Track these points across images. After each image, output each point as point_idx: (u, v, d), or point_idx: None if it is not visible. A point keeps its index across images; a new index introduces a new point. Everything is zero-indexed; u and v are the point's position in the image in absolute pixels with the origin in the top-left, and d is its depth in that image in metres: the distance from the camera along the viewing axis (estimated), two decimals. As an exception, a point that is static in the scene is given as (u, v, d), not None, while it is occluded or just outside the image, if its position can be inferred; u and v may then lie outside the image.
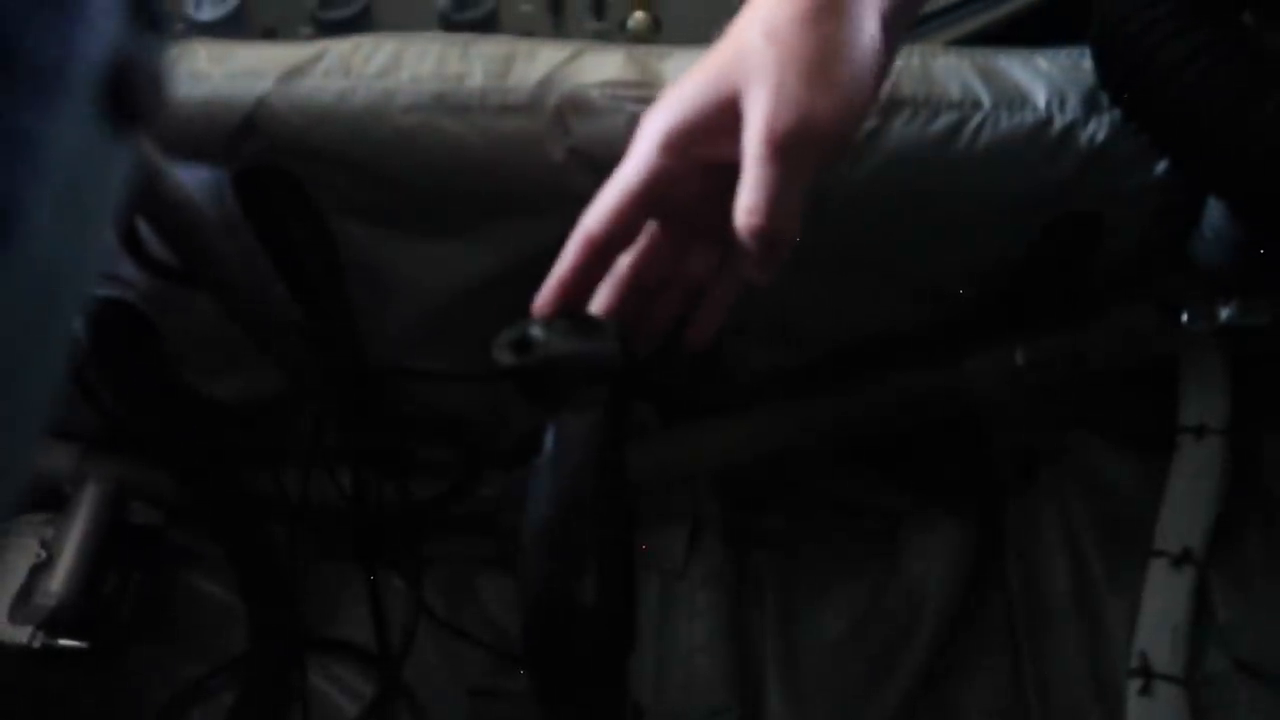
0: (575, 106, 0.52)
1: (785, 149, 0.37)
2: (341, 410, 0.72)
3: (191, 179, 0.56)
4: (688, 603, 0.74)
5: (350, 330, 0.67)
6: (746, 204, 0.37)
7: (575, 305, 0.44)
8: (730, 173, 0.39)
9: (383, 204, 0.59)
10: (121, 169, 0.18)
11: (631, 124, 0.52)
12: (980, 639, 0.70)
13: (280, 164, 0.57)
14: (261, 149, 0.55)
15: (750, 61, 0.38)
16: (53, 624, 0.66)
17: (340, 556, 0.79)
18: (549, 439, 0.43)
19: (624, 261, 0.44)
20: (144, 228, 0.56)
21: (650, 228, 0.44)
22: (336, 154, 0.55)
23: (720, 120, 0.39)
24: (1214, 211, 0.50)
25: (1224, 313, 0.53)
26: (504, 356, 0.43)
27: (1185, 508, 0.58)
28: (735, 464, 0.71)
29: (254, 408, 0.73)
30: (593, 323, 0.44)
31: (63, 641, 0.66)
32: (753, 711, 0.71)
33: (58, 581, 0.68)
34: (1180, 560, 0.57)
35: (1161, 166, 0.50)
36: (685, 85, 0.40)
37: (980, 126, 0.51)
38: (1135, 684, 0.55)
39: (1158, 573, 0.57)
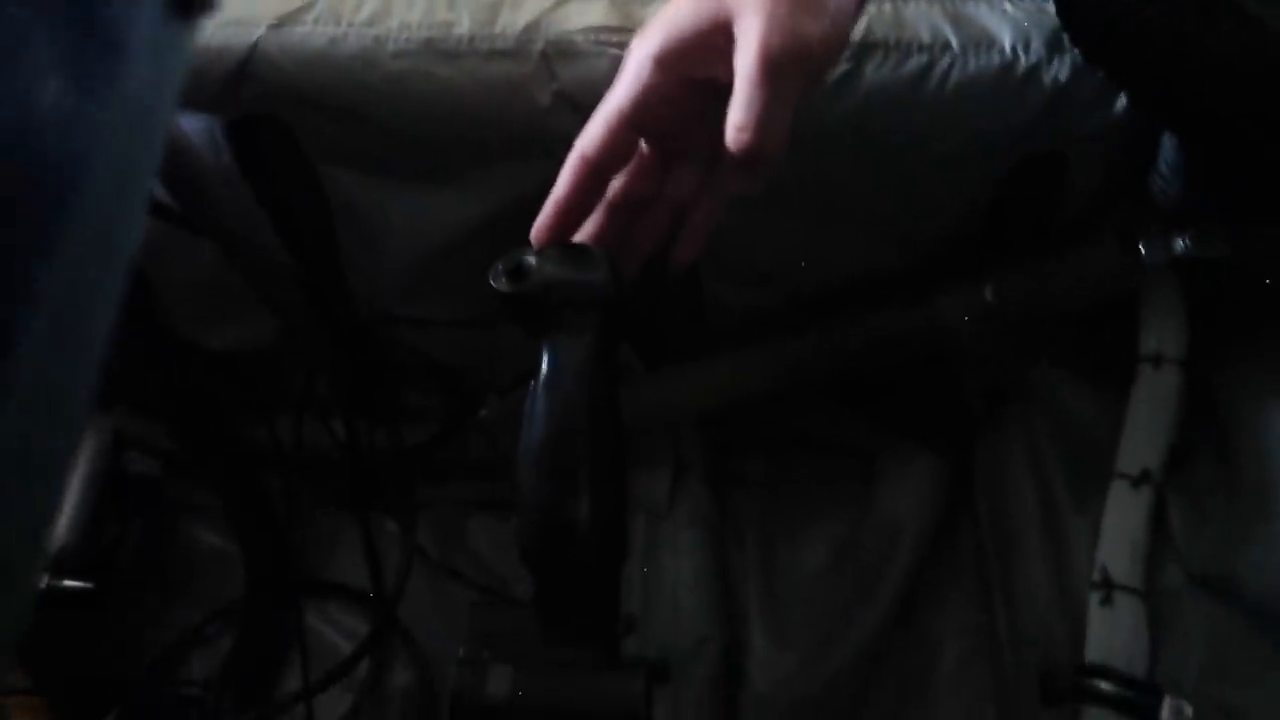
0: (561, 51, 0.54)
1: (776, 69, 0.39)
2: (334, 358, 0.74)
3: (187, 127, 0.58)
4: (672, 542, 0.77)
5: (341, 277, 0.69)
6: (737, 121, 0.39)
7: (571, 230, 0.46)
8: (715, 92, 0.41)
9: (373, 151, 0.60)
10: (185, 56, 0.21)
11: (615, 67, 0.54)
12: (951, 565, 0.73)
13: (273, 112, 0.58)
14: (254, 97, 0.56)
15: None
16: (57, 567, 0.68)
17: (335, 503, 0.81)
18: (543, 362, 0.46)
19: (611, 184, 0.46)
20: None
21: (637, 150, 0.46)
22: (328, 100, 0.57)
23: (711, 40, 0.41)
24: (1169, 147, 0.53)
25: (1179, 245, 0.55)
26: (500, 283, 0.46)
27: (1144, 432, 0.61)
28: (717, 406, 0.73)
29: (247, 358, 0.75)
30: (584, 252, 0.46)
31: (67, 582, 0.67)
32: (736, 643, 0.74)
33: (60, 527, 0.69)
34: (1139, 481, 0.60)
35: (1120, 105, 0.52)
36: (677, 8, 0.42)
37: (949, 68, 0.53)
38: (1097, 595, 0.58)
39: (1118, 493, 0.60)
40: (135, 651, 0.76)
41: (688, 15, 0.41)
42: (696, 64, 0.42)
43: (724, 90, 0.40)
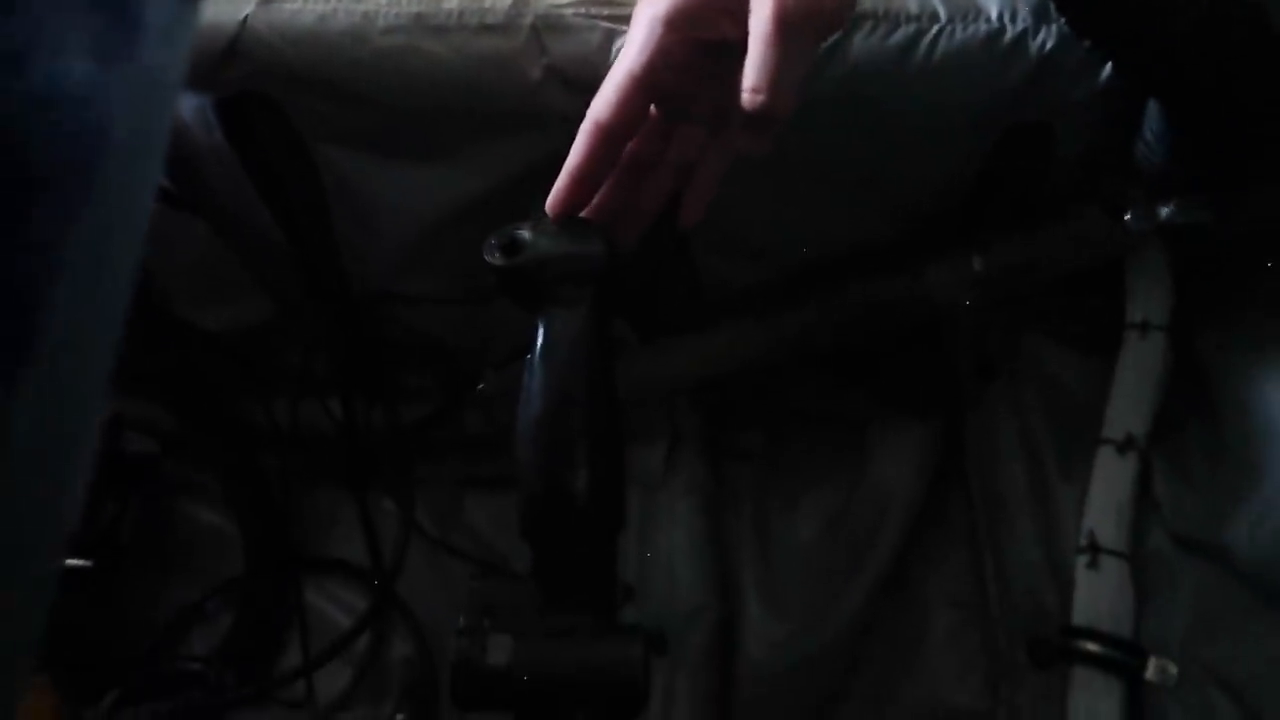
0: (550, 25, 0.54)
1: (790, 29, 0.39)
2: (330, 337, 0.74)
3: (181, 107, 0.58)
4: (668, 513, 0.77)
5: (334, 255, 0.69)
6: (752, 83, 0.39)
7: (587, 199, 0.46)
8: (725, 52, 0.41)
9: (364, 128, 0.61)
10: (192, 31, 0.21)
11: (606, 41, 0.54)
12: (943, 533, 0.74)
13: (262, 89, 0.58)
14: (244, 74, 0.56)
15: None
16: (57, 547, 0.68)
17: (332, 482, 0.82)
18: (539, 336, 0.46)
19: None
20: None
21: (648, 114, 0.46)
22: (318, 77, 0.56)
23: (722, 1, 0.41)
24: (1154, 115, 0.53)
25: (1164, 212, 0.56)
26: (495, 258, 0.46)
27: (1130, 398, 0.62)
28: (711, 378, 0.74)
29: (244, 338, 0.75)
30: (578, 225, 0.47)
31: (68, 562, 0.68)
32: (731, 611, 0.75)
33: (59, 507, 0.70)
34: (1125, 446, 0.61)
35: (1106, 74, 0.53)
36: None
37: (937, 38, 0.53)
38: (1083, 559, 0.60)
39: (1104, 458, 0.61)
40: (136, 629, 0.76)
41: None
42: (707, 24, 0.42)
43: (733, 50, 0.41)
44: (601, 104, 0.44)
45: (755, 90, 0.39)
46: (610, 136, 0.44)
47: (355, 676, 0.74)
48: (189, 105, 0.58)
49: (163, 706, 0.65)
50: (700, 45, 0.43)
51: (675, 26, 0.42)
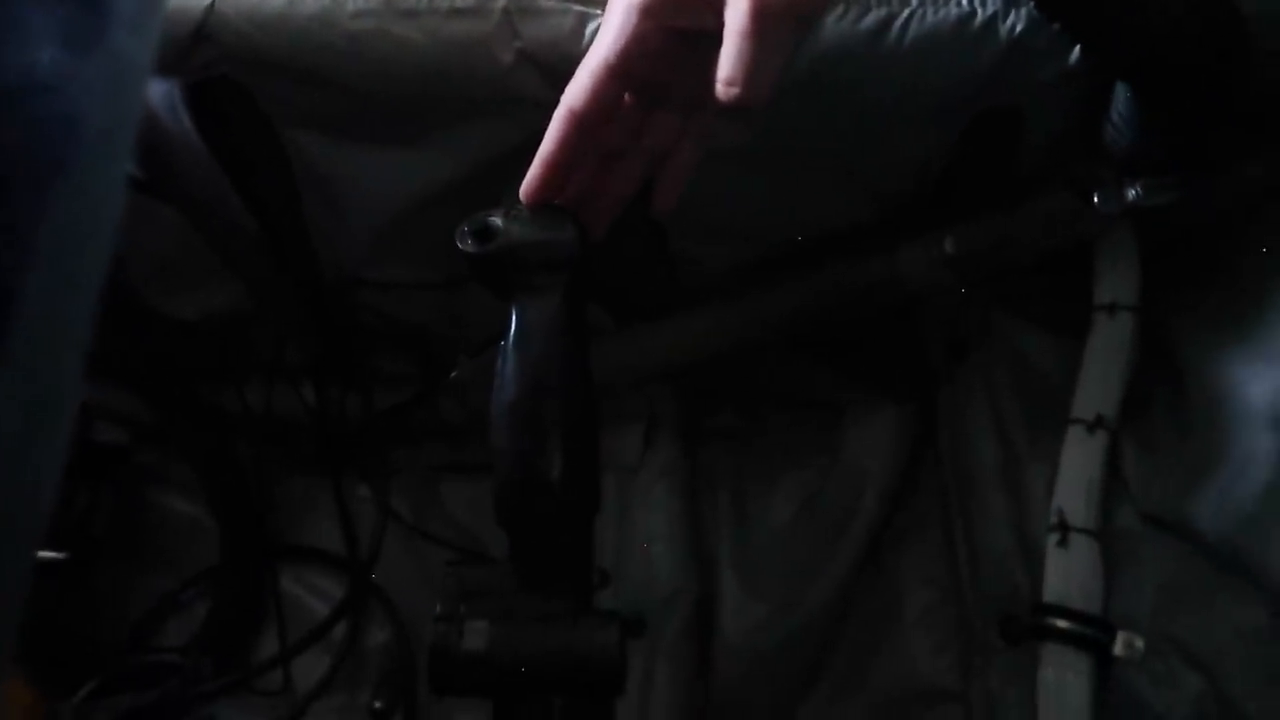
0: (522, 9, 0.54)
1: (769, 21, 0.38)
2: (302, 324, 0.74)
3: (148, 92, 0.57)
4: (644, 496, 0.78)
5: (306, 242, 0.68)
6: (726, 75, 0.39)
7: (561, 187, 0.46)
8: (702, 40, 0.41)
9: (334, 113, 0.60)
10: (160, 15, 0.21)
11: (579, 25, 0.54)
12: (917, 513, 0.75)
13: (231, 74, 0.58)
14: (212, 59, 0.56)
15: None
16: (28, 539, 0.68)
17: (307, 469, 0.81)
18: (512, 323, 0.46)
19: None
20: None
21: (622, 101, 0.46)
22: (287, 62, 0.56)
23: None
24: (1121, 98, 0.54)
25: (1131, 193, 0.57)
26: (467, 245, 0.46)
27: (1099, 378, 0.62)
28: (687, 362, 0.74)
29: (215, 325, 0.75)
30: (551, 213, 0.47)
31: (40, 553, 0.67)
32: (709, 592, 0.75)
33: (29, 499, 0.69)
34: (1094, 426, 0.62)
35: (1074, 56, 0.53)
36: None
37: (908, 21, 0.53)
38: (1054, 538, 0.60)
39: (1074, 438, 0.62)
40: (111, 621, 0.76)
41: None
42: (685, 13, 0.41)
43: (711, 39, 0.40)
44: (576, 91, 0.44)
45: (729, 83, 0.39)
46: (584, 124, 0.44)
47: (333, 664, 0.74)
48: (156, 90, 0.57)
49: (139, 697, 0.65)
50: (677, 33, 0.42)
51: (652, 14, 0.41)
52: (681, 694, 0.71)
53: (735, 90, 0.39)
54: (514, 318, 0.46)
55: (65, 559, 0.69)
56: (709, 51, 0.40)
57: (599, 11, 0.53)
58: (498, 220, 0.46)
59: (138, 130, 0.25)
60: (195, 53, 0.55)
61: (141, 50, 0.23)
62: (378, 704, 0.71)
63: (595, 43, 0.43)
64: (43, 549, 0.68)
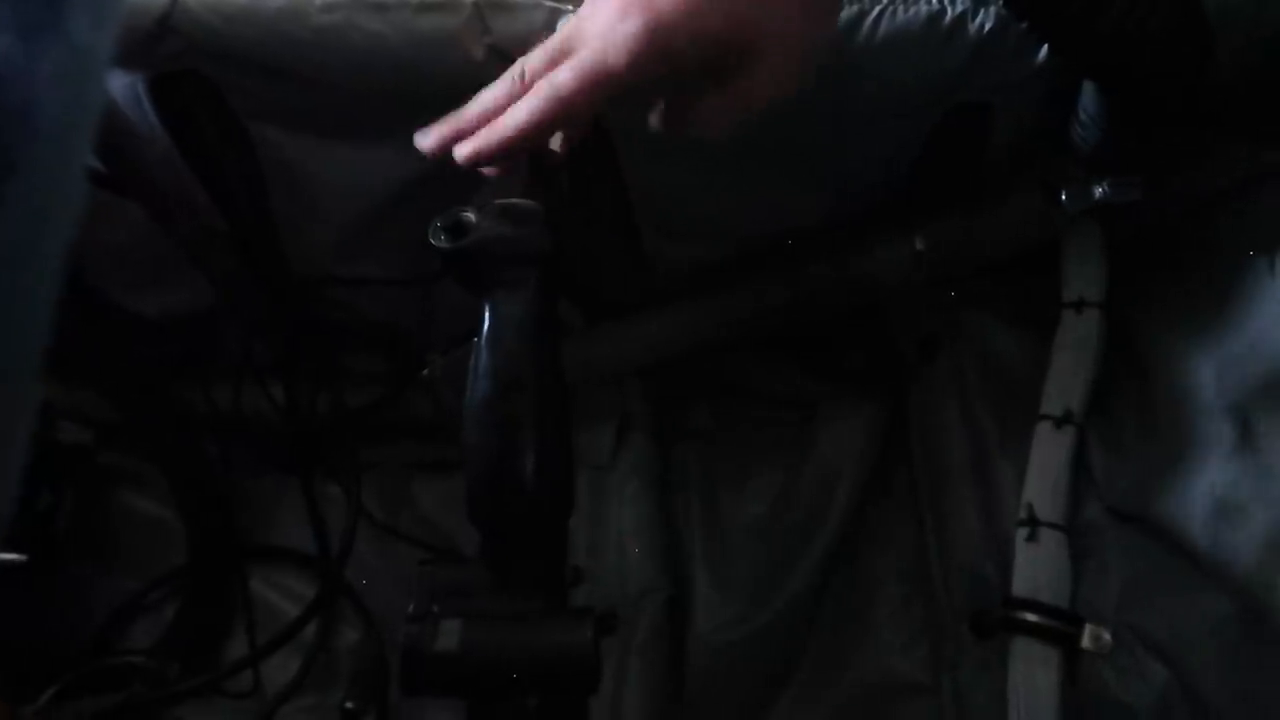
0: (493, 3, 0.53)
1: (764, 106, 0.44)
2: (270, 321, 0.73)
3: (110, 85, 0.56)
4: (616, 493, 0.78)
5: (275, 238, 0.68)
6: (706, 121, 0.45)
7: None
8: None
9: (302, 108, 0.59)
10: (120, 5, 0.21)
11: (550, 20, 0.54)
12: (888, 510, 0.75)
13: (196, 68, 0.57)
14: (177, 52, 0.55)
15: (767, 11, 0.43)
16: (-11, 541, 0.66)
17: (277, 468, 0.80)
18: (485, 319, 0.46)
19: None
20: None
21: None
22: (254, 55, 0.55)
23: (722, 58, 0.43)
24: (1088, 96, 0.54)
25: (1098, 191, 0.57)
26: (439, 241, 0.45)
27: (1067, 374, 0.63)
28: (659, 359, 0.74)
29: (181, 322, 0.74)
30: (522, 209, 0.47)
31: (2, 555, 0.66)
32: (682, 589, 0.75)
33: (-11, 500, 0.68)
34: (1062, 421, 0.62)
35: (1042, 55, 0.54)
36: (703, 16, 0.42)
37: (879, 19, 0.53)
38: (1023, 532, 0.61)
39: (1043, 433, 0.63)
40: (75, 624, 0.75)
41: (706, 23, 0.42)
42: (696, 62, 0.44)
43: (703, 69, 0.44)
44: (569, 86, 0.44)
45: (707, 126, 0.46)
46: (569, 115, 0.45)
47: (303, 665, 0.73)
48: (119, 83, 0.56)
49: (104, 702, 0.64)
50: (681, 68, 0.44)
51: (669, 60, 0.43)
52: (654, 691, 0.71)
53: (710, 131, 0.47)
54: (486, 314, 0.46)
55: (27, 561, 0.67)
56: (697, 79, 0.44)
57: (570, 7, 0.53)
58: (470, 216, 0.46)
59: (99, 123, 0.24)
60: (159, 45, 0.54)
61: (101, 40, 0.22)
62: (349, 704, 0.70)
63: (598, 45, 0.43)
64: (3, 551, 0.68)
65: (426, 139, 0.49)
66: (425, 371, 0.70)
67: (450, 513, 0.81)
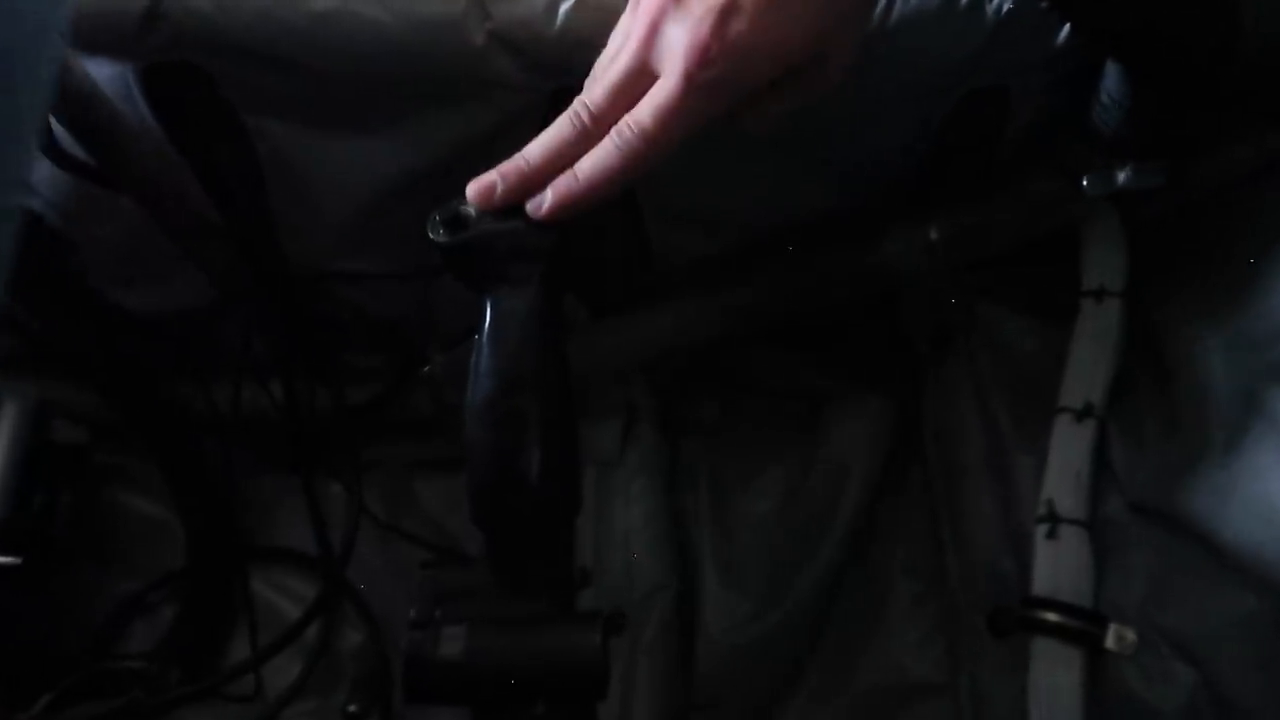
0: (494, -12, 0.52)
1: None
2: (269, 318, 0.72)
3: (97, 74, 0.54)
4: (623, 490, 0.76)
5: (271, 232, 0.66)
6: (759, 121, 0.45)
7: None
8: None
9: (299, 98, 0.58)
10: None
11: (552, 6, 0.52)
12: (902, 505, 0.74)
13: (189, 58, 0.55)
14: (168, 42, 0.53)
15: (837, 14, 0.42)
16: (-16, 543, 0.65)
17: (277, 467, 0.79)
18: (487, 316, 0.44)
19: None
20: (59, 128, 0.54)
21: None
22: (248, 44, 0.53)
23: (795, 68, 0.43)
24: (1111, 77, 0.52)
25: (1121, 176, 0.56)
26: (438, 235, 0.44)
27: (1087, 366, 0.61)
28: (666, 353, 0.73)
29: (178, 319, 0.72)
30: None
31: (-5, 560, 0.65)
32: (690, 588, 0.74)
33: (-17, 501, 0.67)
34: (1083, 414, 0.61)
35: (1062, 35, 0.52)
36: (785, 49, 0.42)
37: (892, 2, 0.52)
38: (1043, 529, 0.59)
39: (1062, 427, 0.61)
40: (72, 627, 0.73)
41: (794, 45, 0.42)
42: (769, 76, 0.44)
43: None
44: (652, 128, 0.41)
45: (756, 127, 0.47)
46: (657, 158, 0.42)
47: (305, 668, 0.72)
48: (108, 74, 0.54)
49: (101, 708, 0.63)
50: None
51: (748, 74, 0.42)
52: (663, 692, 0.70)
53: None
54: (488, 310, 0.44)
55: (22, 563, 0.66)
56: None
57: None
58: (470, 209, 0.44)
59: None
60: (149, 34, 0.52)
61: (51, 10, 0.20)
62: (352, 708, 0.69)
63: (671, 84, 0.41)
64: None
65: (481, 188, 0.44)
66: (425, 369, 0.69)
67: (454, 512, 0.80)
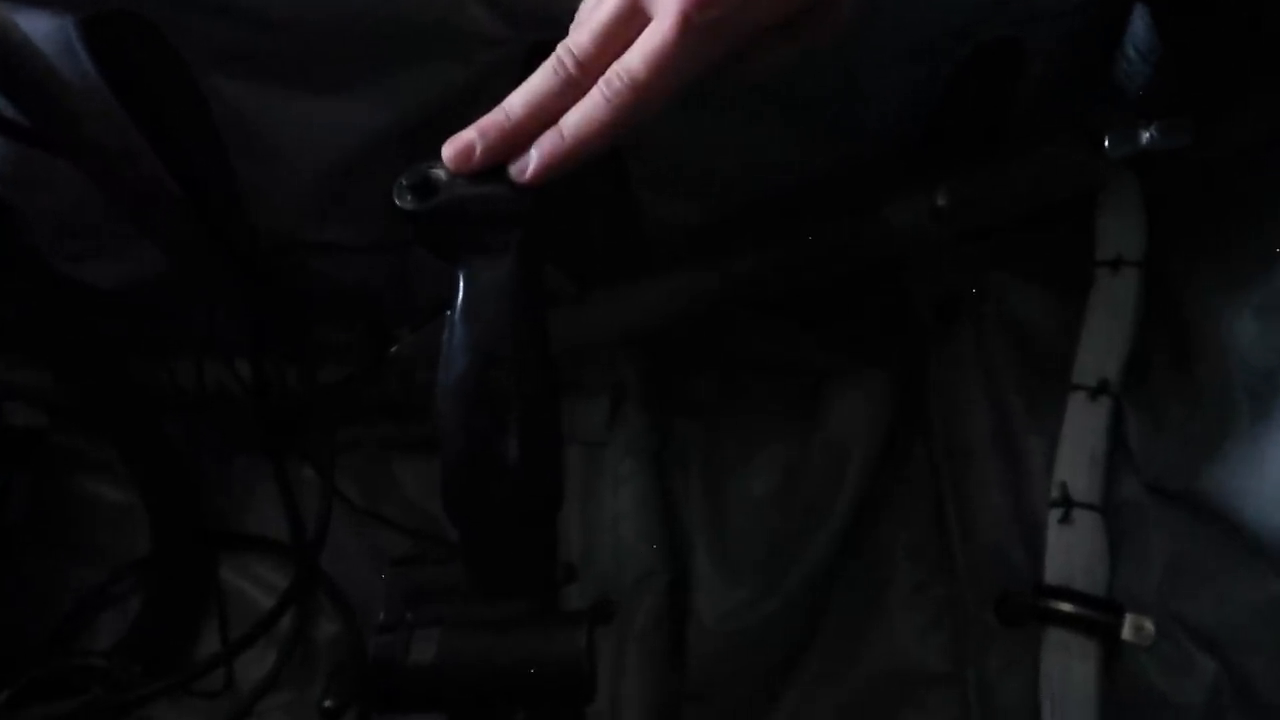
0: (469, -69, 0.48)
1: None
2: (234, 292, 0.67)
3: (30, 28, 0.50)
4: (611, 472, 0.74)
5: (233, 201, 0.62)
6: (757, 70, 0.41)
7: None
8: None
9: (258, 54, 0.53)
10: None
11: (531, -49, 0.48)
12: (905, 487, 0.71)
13: (136, 8, 0.51)
14: (111, -10, 0.49)
15: None
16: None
17: (247, 449, 0.76)
18: (459, 288, 0.40)
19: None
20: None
21: None
22: (200, -7, 0.49)
23: (797, 14, 0.39)
24: (1138, 28, 0.49)
25: (1145, 135, 0.52)
26: (405, 201, 0.40)
27: (1102, 340, 0.58)
28: (656, 327, 0.69)
29: (137, 294, 0.68)
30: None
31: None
32: (682, 574, 0.71)
33: (-68, 490, 0.63)
34: (1098, 392, 0.57)
35: (1084, -20, 0.48)
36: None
37: (898, -57, 0.48)
38: (1056, 514, 0.56)
39: (1076, 405, 0.58)
40: (30, 621, 0.70)
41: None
42: (769, 22, 0.39)
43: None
44: (643, 75, 0.37)
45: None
46: (648, 109, 0.38)
47: (278, 660, 0.69)
48: (46, 27, 0.50)
49: (61, 707, 0.59)
50: None
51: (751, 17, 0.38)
52: (655, 683, 0.67)
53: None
54: (461, 282, 0.40)
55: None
56: None
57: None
58: (440, 172, 0.40)
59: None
60: (89, -18, 0.48)
61: None
62: (327, 703, 0.65)
63: (664, 26, 0.37)
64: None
65: (458, 148, 0.40)
66: (394, 349, 0.65)
67: (435, 495, 0.74)
